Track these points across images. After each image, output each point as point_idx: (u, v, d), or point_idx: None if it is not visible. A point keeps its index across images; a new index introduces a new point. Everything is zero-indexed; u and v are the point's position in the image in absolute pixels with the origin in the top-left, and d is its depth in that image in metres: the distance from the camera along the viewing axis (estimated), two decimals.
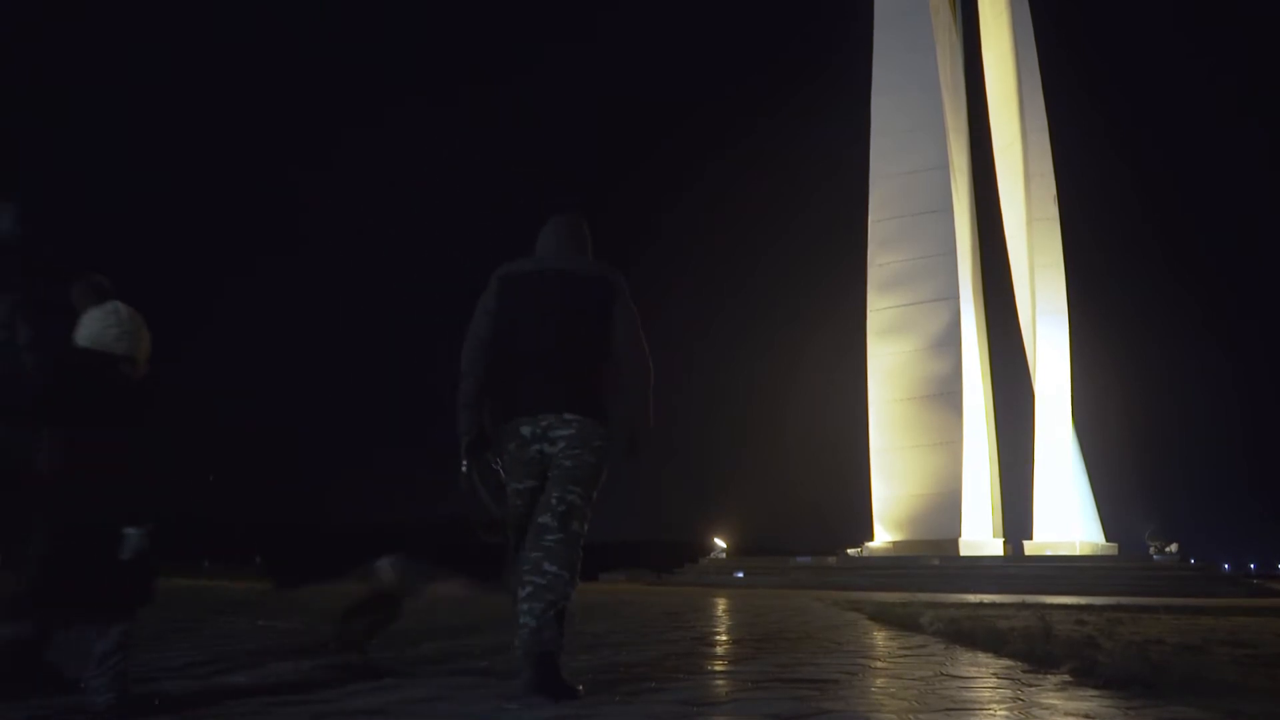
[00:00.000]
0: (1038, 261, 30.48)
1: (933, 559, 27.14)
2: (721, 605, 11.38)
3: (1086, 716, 3.08)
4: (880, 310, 31.22)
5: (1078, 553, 28.54)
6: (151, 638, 5.53)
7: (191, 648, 4.73)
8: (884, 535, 30.15)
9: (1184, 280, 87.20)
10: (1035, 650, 4.85)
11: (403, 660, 4.47)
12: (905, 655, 5.09)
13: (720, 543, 36.25)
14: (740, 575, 29.18)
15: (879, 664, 4.63)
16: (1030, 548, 29.60)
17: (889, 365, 30.78)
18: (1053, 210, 31.04)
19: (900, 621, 7.78)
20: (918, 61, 31.42)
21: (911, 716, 3.01)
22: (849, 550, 30.51)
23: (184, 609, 8.09)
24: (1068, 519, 29.55)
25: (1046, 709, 3.23)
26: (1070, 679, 3.97)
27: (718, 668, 4.41)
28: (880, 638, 6.43)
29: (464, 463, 3.54)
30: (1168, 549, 27.66)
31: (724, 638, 6.24)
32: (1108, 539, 30.29)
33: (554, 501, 3.45)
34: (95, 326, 3.03)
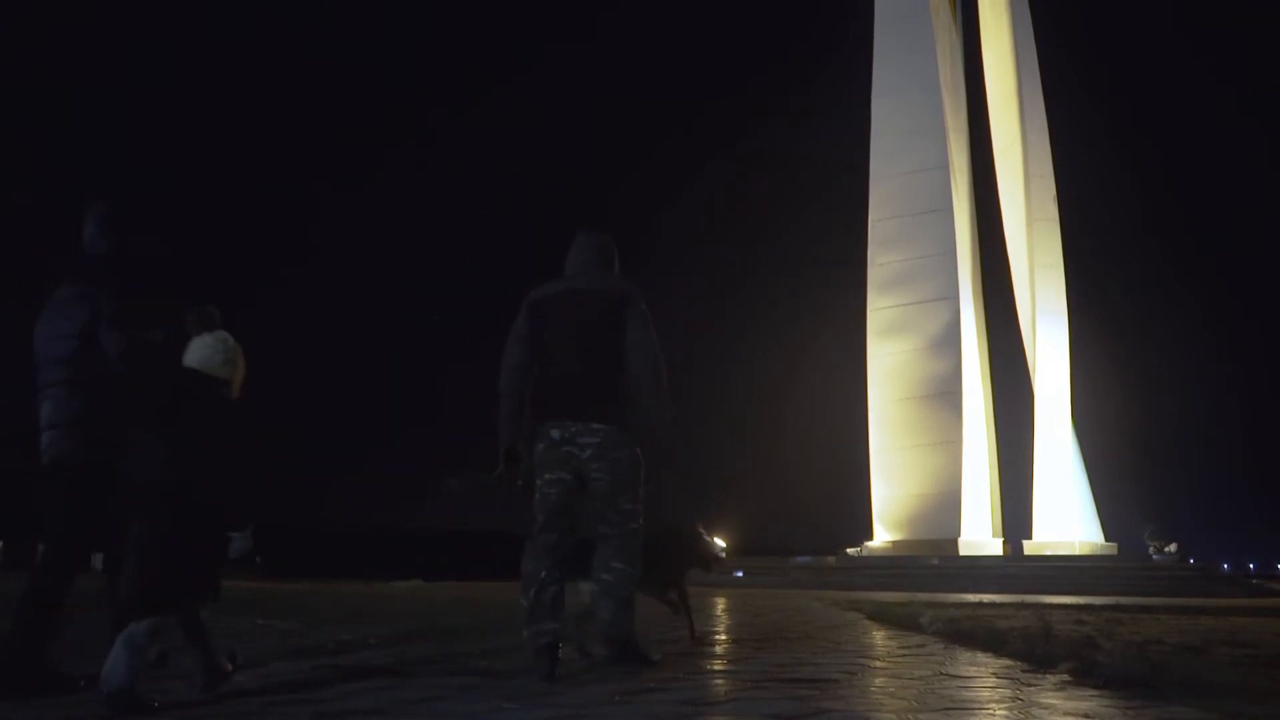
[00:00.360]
0: (1038, 262, 30.46)
1: (932, 559, 27.12)
2: (721, 604, 11.37)
3: (1086, 716, 3.08)
4: (880, 310, 31.21)
5: (1077, 552, 28.51)
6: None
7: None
8: (883, 535, 30.13)
9: (1184, 280, 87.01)
10: (1035, 650, 4.85)
11: (403, 660, 4.47)
12: (905, 655, 5.09)
13: (720, 542, 36.18)
14: (740, 575, 29.16)
15: (878, 663, 4.63)
16: (1030, 547, 29.57)
17: (889, 365, 30.77)
18: (1052, 211, 31.03)
19: (900, 621, 7.78)
20: (918, 63, 31.41)
21: (911, 716, 3.01)
22: (848, 550, 30.48)
23: None
24: (1067, 519, 29.51)
25: (1046, 709, 3.23)
26: (1069, 679, 3.97)
27: (717, 667, 4.41)
28: (880, 637, 6.43)
29: (500, 465, 4.00)
30: (1167, 549, 27.63)
31: (723, 637, 6.25)
32: (1107, 539, 30.26)
33: (610, 513, 3.96)
34: (205, 352, 3.38)
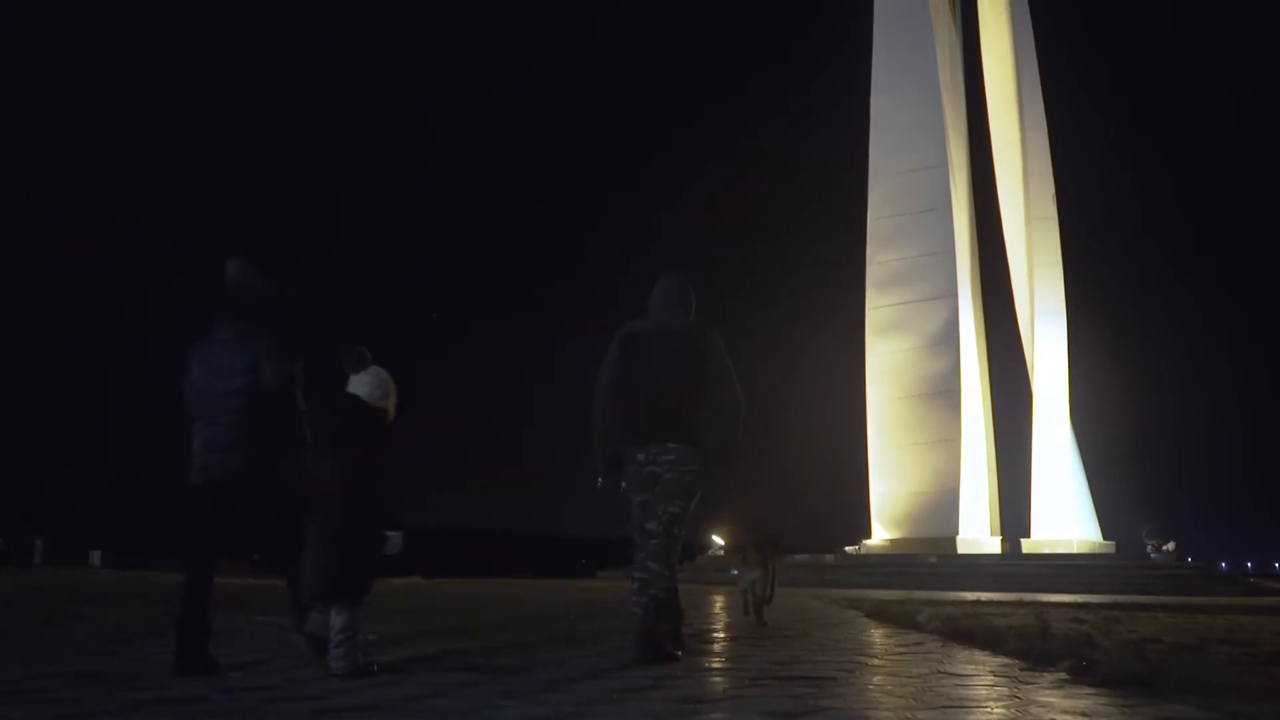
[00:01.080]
0: (1036, 260, 30.47)
1: (930, 557, 27.14)
2: (719, 603, 11.38)
3: (1083, 715, 3.08)
4: (879, 308, 31.21)
5: (1075, 551, 28.55)
6: (150, 634, 5.54)
7: None
8: (882, 533, 30.15)
9: (1184, 280, 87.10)
10: (1032, 648, 4.86)
11: (401, 657, 4.48)
12: (903, 653, 5.09)
13: (718, 540, 36.22)
14: (736, 572, 29.09)
15: (876, 661, 4.64)
16: (1028, 546, 29.60)
17: (888, 363, 30.78)
18: (1051, 209, 31.03)
19: (898, 619, 7.79)
20: (918, 62, 31.40)
21: (909, 714, 3.02)
22: (847, 548, 30.50)
23: None
24: (1065, 517, 29.54)
25: (1043, 707, 3.23)
26: (1067, 677, 3.98)
27: (715, 665, 4.42)
28: (878, 635, 6.44)
29: (600, 477, 4.73)
30: (1165, 548, 27.67)
31: (721, 635, 6.25)
32: (1105, 537, 30.29)
33: (660, 512, 4.54)
34: (367, 388, 4.06)
